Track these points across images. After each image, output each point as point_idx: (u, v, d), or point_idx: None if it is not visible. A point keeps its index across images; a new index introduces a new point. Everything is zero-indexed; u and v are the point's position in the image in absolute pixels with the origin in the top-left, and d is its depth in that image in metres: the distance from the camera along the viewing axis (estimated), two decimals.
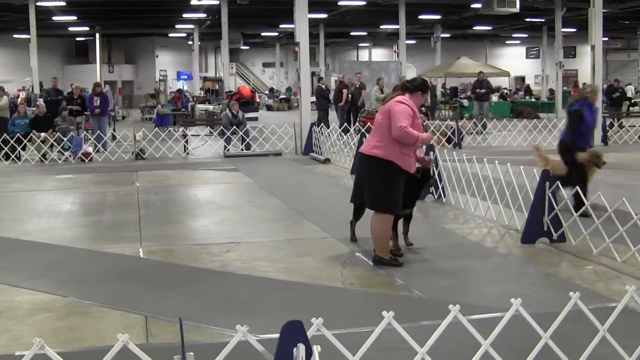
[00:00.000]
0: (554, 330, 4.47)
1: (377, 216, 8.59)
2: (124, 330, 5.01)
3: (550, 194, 9.40)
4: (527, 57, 67.55)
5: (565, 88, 46.18)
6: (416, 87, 8.73)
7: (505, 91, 46.70)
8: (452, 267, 8.54)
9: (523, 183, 10.34)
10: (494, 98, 40.68)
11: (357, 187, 8.99)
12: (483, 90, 28.95)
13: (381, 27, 49.67)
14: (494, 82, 50.55)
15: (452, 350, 5.28)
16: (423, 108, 31.23)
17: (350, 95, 27.42)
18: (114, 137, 24.23)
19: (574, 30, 46.73)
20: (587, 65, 31.43)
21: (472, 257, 9.12)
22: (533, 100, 44.96)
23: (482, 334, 4.31)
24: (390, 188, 8.42)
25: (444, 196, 12.93)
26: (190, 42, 53.37)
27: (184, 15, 42.82)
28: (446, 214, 12.01)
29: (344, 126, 23.98)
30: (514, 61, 63.36)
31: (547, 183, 9.40)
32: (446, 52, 49.76)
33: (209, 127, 28.24)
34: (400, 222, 9.27)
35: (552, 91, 45.06)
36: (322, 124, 22.96)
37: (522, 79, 61.81)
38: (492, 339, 4.29)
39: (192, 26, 47.54)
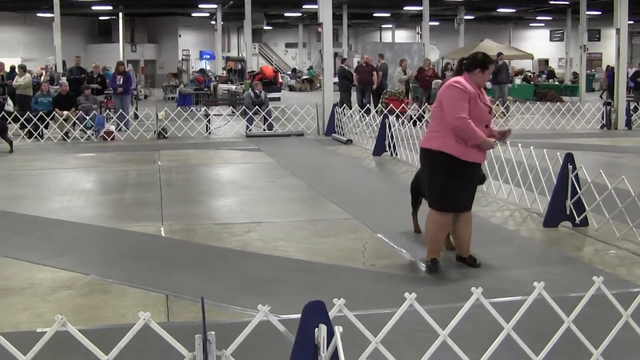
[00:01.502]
0: (576, 314, 4.44)
1: (430, 213, 7.76)
2: (145, 309, 5.03)
3: (573, 178, 9.33)
4: (551, 40, 67.10)
5: (589, 71, 45.79)
6: (472, 63, 7.42)
7: (529, 74, 46.39)
8: (474, 249, 8.48)
9: (546, 166, 10.26)
10: (517, 81, 40.40)
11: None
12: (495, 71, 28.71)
13: (404, 8, 49.39)
14: (518, 64, 50.36)
15: (474, 333, 5.25)
16: None
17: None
18: (136, 116, 24.26)
19: (599, 13, 46.34)
20: (611, 48, 31.15)
21: (493, 240, 9.07)
22: (556, 83, 44.62)
23: (504, 317, 4.28)
24: (443, 183, 7.44)
25: None
26: (213, 22, 53.22)
27: None
28: None
29: (366, 107, 23.86)
30: (537, 44, 62.99)
31: (570, 166, 9.33)
32: (469, 34, 49.47)
33: (231, 107, 28.20)
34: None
35: (575, 74, 44.72)
36: (345, 104, 22.89)
37: (546, 61, 61.41)
38: (514, 322, 4.26)
39: (215, 6, 47.41)
